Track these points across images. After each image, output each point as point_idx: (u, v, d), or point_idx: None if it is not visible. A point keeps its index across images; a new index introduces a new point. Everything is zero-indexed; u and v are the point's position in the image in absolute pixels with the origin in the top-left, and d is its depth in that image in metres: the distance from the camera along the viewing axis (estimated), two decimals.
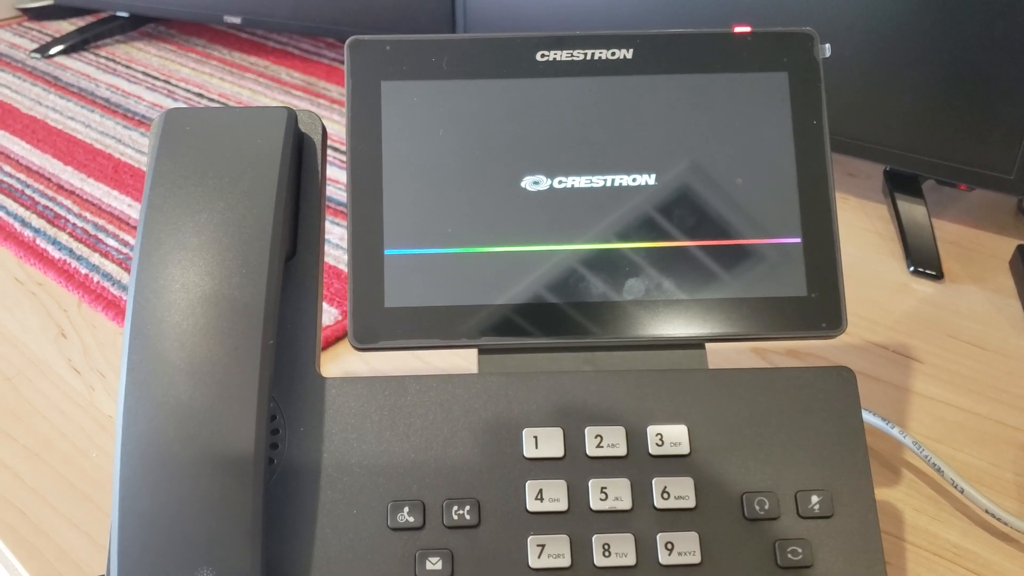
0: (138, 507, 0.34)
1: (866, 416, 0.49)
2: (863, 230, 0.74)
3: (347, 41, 0.42)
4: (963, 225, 0.74)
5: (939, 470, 0.47)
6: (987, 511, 0.45)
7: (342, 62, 1.07)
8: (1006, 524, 0.45)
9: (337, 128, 0.89)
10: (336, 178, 0.80)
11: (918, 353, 0.59)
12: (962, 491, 0.46)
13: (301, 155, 0.42)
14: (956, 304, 0.65)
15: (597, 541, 0.37)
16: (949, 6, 0.65)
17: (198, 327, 0.36)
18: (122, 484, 0.34)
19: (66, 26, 1.17)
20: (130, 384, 0.35)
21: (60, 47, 1.10)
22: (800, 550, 0.37)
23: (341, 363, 0.58)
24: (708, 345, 0.42)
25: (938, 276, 0.67)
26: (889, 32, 0.67)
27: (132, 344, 0.36)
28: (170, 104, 0.96)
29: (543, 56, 0.42)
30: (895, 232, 0.72)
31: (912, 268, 0.68)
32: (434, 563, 0.37)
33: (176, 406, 0.35)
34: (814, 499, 0.38)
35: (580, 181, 0.42)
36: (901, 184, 0.75)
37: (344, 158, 0.79)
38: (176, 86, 1.01)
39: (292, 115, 0.41)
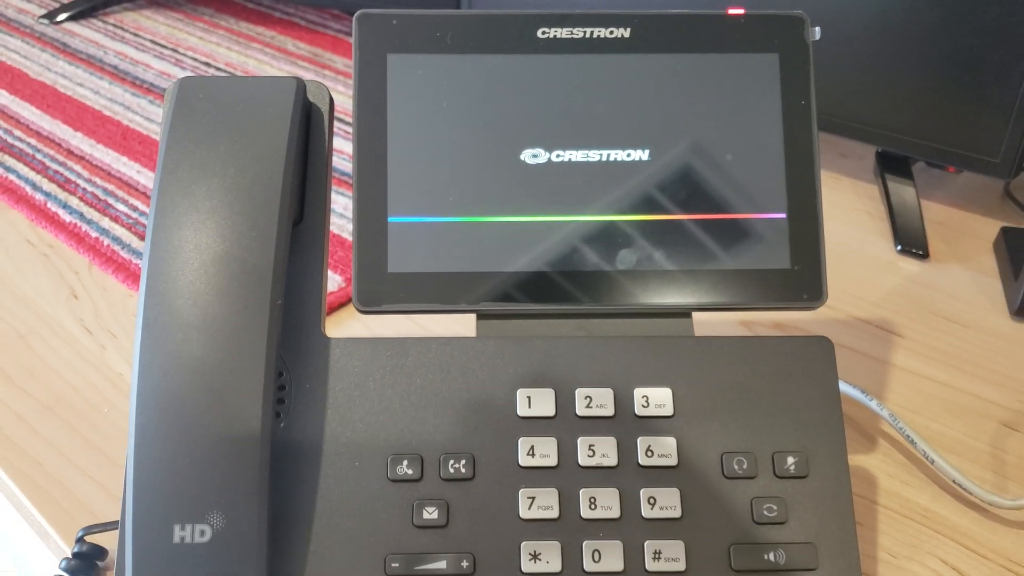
0: (152, 455, 0.36)
1: (846, 387, 0.51)
2: (854, 209, 0.75)
3: (355, 15, 0.44)
4: (950, 206, 0.76)
5: (912, 441, 0.49)
6: (954, 481, 0.47)
7: (347, 34, 1.08)
8: (971, 493, 0.47)
9: (342, 99, 0.90)
10: (341, 149, 0.81)
11: (901, 329, 0.61)
12: (932, 462, 0.48)
13: (309, 124, 0.44)
14: (940, 283, 0.67)
15: (584, 494, 0.39)
16: None
17: (210, 286, 0.38)
18: (137, 433, 0.36)
19: None
20: (145, 339, 0.37)
21: (68, 13, 1.11)
22: (775, 507, 0.39)
23: (344, 328, 0.60)
24: (698, 318, 0.43)
25: (924, 255, 0.69)
26: (884, 16, 0.69)
27: (148, 302, 0.38)
28: (178, 73, 0.97)
29: (544, 33, 0.44)
30: (884, 212, 0.74)
31: (899, 247, 0.70)
32: (431, 512, 0.39)
33: (189, 360, 0.37)
34: (790, 460, 0.40)
35: (577, 155, 0.43)
36: (892, 165, 0.77)
37: (349, 129, 0.81)
38: (184, 55, 1.02)
39: (301, 85, 0.42)
